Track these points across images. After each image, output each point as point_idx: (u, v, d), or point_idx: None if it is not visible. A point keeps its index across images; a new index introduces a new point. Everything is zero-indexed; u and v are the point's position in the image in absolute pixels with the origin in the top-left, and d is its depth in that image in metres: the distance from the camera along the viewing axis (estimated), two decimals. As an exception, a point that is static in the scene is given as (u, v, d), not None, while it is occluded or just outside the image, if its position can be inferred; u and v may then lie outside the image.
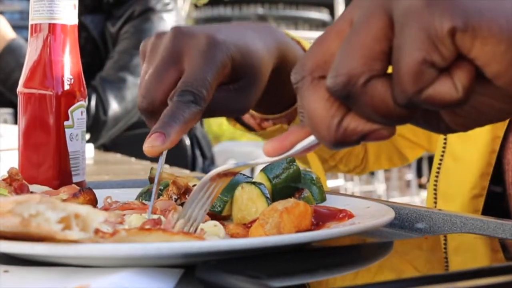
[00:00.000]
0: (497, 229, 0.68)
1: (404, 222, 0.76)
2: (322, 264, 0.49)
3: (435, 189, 0.98)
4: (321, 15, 12.74)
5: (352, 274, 0.49)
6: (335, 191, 0.90)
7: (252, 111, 0.97)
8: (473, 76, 0.45)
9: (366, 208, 0.71)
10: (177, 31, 0.77)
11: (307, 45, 0.95)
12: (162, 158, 0.71)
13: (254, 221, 0.65)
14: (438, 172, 0.98)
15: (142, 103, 0.75)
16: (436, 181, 0.98)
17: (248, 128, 1.01)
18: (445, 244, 0.59)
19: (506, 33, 0.44)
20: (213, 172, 0.59)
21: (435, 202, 0.98)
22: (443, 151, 0.98)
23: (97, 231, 0.52)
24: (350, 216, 0.67)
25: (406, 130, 1.14)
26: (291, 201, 0.62)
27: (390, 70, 0.47)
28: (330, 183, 2.99)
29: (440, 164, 0.98)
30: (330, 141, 0.49)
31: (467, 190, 0.92)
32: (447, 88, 0.45)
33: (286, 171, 0.73)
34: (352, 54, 0.47)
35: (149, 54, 0.79)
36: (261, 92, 0.81)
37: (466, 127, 0.50)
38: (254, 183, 0.70)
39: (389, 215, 0.65)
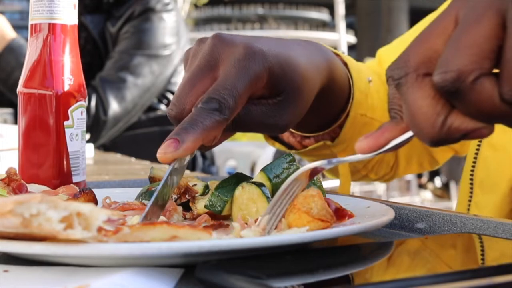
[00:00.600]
0: (497, 229, 0.68)
1: (404, 222, 0.76)
2: (322, 264, 0.49)
3: (471, 179, 0.97)
4: (321, 15, 12.73)
5: (353, 274, 0.49)
6: (335, 191, 0.89)
7: (291, 129, 0.94)
8: None
9: (366, 208, 0.71)
10: (217, 39, 0.74)
11: (346, 57, 0.94)
12: (179, 165, 0.67)
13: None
14: (474, 162, 0.97)
15: (171, 111, 0.72)
16: (472, 171, 0.97)
17: (288, 146, 0.99)
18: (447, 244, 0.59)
19: None
20: (304, 169, 0.62)
21: (471, 192, 0.97)
22: (480, 141, 0.97)
23: (100, 229, 0.51)
24: (350, 216, 0.67)
25: None
26: (311, 189, 0.63)
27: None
28: (330, 183, 2.99)
29: (476, 154, 0.97)
30: (433, 138, 0.51)
31: (507, 179, 0.91)
32: None
33: (286, 171, 0.73)
34: (463, 51, 0.48)
35: (190, 61, 0.76)
36: (304, 111, 0.77)
37: None
38: (254, 183, 0.70)
39: (389, 215, 0.65)
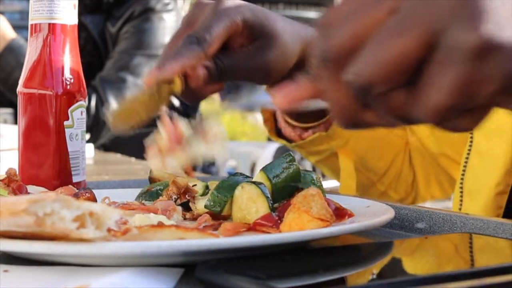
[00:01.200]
0: (497, 229, 0.68)
1: (404, 221, 0.76)
2: (321, 264, 0.49)
3: (461, 187, 0.97)
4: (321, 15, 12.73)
5: (353, 275, 0.49)
6: (335, 191, 0.89)
7: (291, 121, 0.98)
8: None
9: (366, 208, 0.71)
10: (196, 3, 0.82)
11: None
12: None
13: (259, 223, 0.65)
14: (464, 170, 0.97)
15: (159, 60, 0.77)
16: (462, 179, 0.97)
17: (290, 141, 1.02)
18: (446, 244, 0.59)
19: None
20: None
21: (461, 201, 0.97)
22: (469, 149, 0.97)
23: (109, 229, 0.52)
24: (350, 215, 0.67)
25: (448, 148, 1.10)
26: (311, 188, 0.63)
27: None
28: (330, 183, 2.98)
29: (466, 162, 0.97)
30: (347, 125, 0.50)
31: (491, 186, 0.91)
32: (465, 122, 0.46)
33: (286, 171, 0.73)
34: (381, 60, 0.45)
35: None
36: (286, 64, 0.83)
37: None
38: (254, 182, 0.70)
39: (389, 214, 0.65)
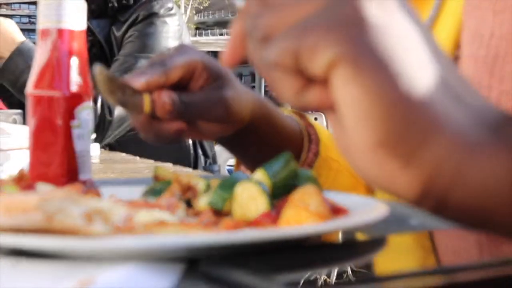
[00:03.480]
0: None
1: (398, 218, 0.76)
2: (320, 258, 0.49)
3: None
4: None
5: (349, 268, 0.49)
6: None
7: None
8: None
9: (361, 205, 0.71)
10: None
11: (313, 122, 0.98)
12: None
13: (259, 220, 0.65)
14: None
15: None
16: None
17: None
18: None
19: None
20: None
21: None
22: None
23: (115, 226, 0.52)
24: (345, 212, 0.67)
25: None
26: (309, 185, 0.63)
27: None
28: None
29: None
30: (291, 104, 0.48)
31: None
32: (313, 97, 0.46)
33: (286, 169, 0.73)
34: (289, 43, 0.45)
35: None
36: (240, 110, 0.86)
37: None
38: (254, 180, 0.70)
39: (384, 211, 0.65)
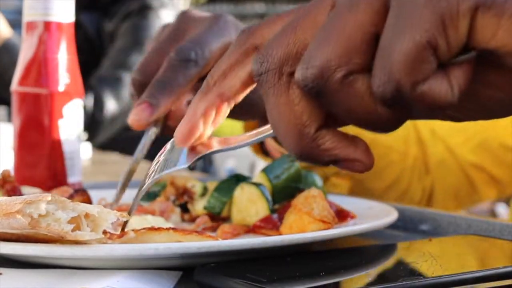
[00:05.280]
0: (503, 231, 0.68)
1: (408, 223, 0.76)
2: (323, 267, 0.49)
3: None
4: None
5: (355, 278, 0.48)
6: (336, 192, 0.89)
7: (279, 148, 0.91)
8: (471, 78, 0.39)
9: (369, 209, 0.71)
10: (184, 14, 0.72)
11: None
12: (150, 135, 0.65)
13: (258, 225, 0.65)
14: None
15: (135, 75, 0.69)
16: None
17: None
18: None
19: None
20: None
21: None
22: None
23: (104, 232, 0.51)
24: (352, 216, 0.67)
25: (489, 162, 1.00)
26: (313, 189, 0.62)
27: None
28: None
29: None
30: (297, 152, 0.43)
31: None
32: (443, 88, 0.38)
33: (287, 171, 0.72)
34: (329, 42, 0.39)
35: (153, 40, 0.74)
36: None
37: (459, 120, 0.44)
38: (254, 183, 0.69)
39: (392, 216, 0.65)
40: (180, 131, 0.49)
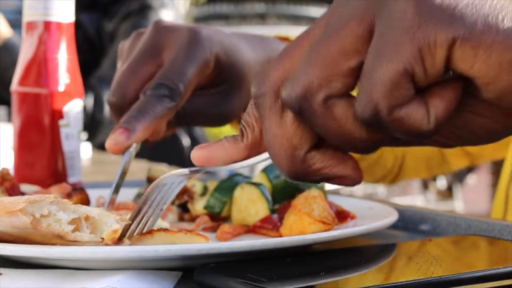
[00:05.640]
0: (503, 231, 0.68)
1: (408, 223, 0.76)
2: (323, 267, 0.49)
3: (506, 195, 0.89)
4: (322, 12, 12.72)
5: (355, 277, 0.48)
6: (337, 192, 0.89)
7: None
8: (452, 108, 0.40)
9: (369, 210, 0.71)
10: (158, 26, 0.73)
11: None
12: (132, 152, 0.68)
13: (258, 225, 0.65)
14: None
15: (112, 97, 0.71)
16: (508, 186, 0.88)
17: None
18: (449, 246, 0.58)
19: (508, 39, 0.38)
20: (174, 173, 0.54)
21: (506, 209, 0.89)
22: None
23: (102, 240, 0.53)
24: (353, 217, 0.67)
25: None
26: (313, 190, 0.62)
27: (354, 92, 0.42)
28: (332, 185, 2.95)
29: None
30: (290, 173, 0.45)
31: None
32: (419, 115, 0.40)
33: (287, 172, 0.73)
34: (314, 64, 0.41)
35: (127, 52, 0.75)
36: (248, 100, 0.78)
37: (449, 146, 0.46)
38: (254, 183, 0.69)
39: (392, 216, 0.65)
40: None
